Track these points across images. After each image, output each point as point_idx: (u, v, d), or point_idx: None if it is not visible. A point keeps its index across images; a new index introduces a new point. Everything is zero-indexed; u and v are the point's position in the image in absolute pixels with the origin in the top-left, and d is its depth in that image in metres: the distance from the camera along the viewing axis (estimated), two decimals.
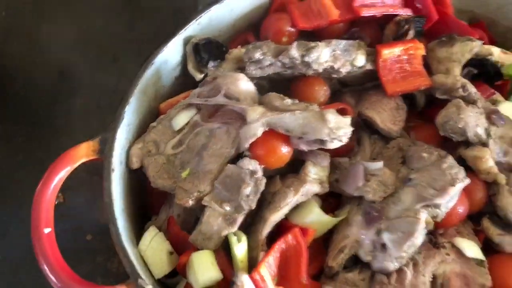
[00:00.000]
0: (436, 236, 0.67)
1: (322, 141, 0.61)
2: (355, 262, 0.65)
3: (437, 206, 0.63)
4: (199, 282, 0.60)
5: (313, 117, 0.60)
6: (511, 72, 0.80)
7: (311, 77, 0.73)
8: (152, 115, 0.71)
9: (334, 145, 0.61)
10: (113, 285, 0.57)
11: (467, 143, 0.70)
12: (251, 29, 0.80)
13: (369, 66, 0.73)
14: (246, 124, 0.62)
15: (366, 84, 0.77)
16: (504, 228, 0.68)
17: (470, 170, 0.69)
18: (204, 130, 0.66)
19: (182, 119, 0.67)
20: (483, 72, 0.78)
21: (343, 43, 0.71)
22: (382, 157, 0.72)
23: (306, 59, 0.68)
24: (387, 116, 0.74)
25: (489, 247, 0.68)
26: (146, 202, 0.72)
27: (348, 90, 0.78)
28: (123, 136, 0.65)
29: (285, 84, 0.75)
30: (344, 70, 0.71)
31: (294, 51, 0.67)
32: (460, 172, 0.65)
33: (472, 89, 0.73)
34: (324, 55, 0.69)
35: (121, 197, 0.63)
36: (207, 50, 0.72)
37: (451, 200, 0.64)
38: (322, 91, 0.73)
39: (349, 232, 0.65)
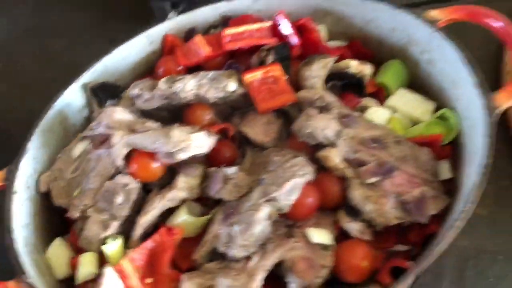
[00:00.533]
0: (293, 228, 0.77)
1: (171, 153, 0.74)
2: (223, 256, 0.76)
3: (276, 199, 0.73)
4: (79, 276, 0.74)
5: (160, 134, 0.74)
6: (381, 80, 0.91)
7: (196, 104, 0.87)
8: None
9: (182, 155, 0.74)
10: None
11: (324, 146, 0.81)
12: (153, 71, 0.95)
13: (241, 90, 0.86)
14: (113, 147, 0.76)
15: (252, 106, 0.89)
16: (353, 216, 0.77)
17: None
18: (94, 155, 0.81)
19: (78, 149, 0.83)
20: (349, 84, 0.89)
21: (211, 73, 0.85)
22: (255, 164, 0.83)
23: (173, 89, 0.82)
24: (259, 130, 0.86)
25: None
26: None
27: (238, 112, 0.90)
28: (30, 167, 0.82)
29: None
30: (212, 95, 0.84)
31: (162, 84, 0.82)
32: (301, 169, 0.75)
33: (329, 99, 0.84)
34: (189, 85, 0.83)
35: (26, 214, 0.79)
36: (104, 91, 0.88)
37: (291, 194, 0.74)
38: (205, 115, 0.87)
39: (212, 228, 0.76)
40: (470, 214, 0.69)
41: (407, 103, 0.89)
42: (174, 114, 0.89)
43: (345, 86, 0.89)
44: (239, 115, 0.90)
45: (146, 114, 0.88)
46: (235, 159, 0.86)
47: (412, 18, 0.84)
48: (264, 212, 0.73)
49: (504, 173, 1.01)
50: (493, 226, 0.97)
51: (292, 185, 0.74)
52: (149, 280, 0.73)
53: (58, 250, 0.79)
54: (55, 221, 0.85)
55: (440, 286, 0.91)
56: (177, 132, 0.74)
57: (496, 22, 0.77)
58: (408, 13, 0.85)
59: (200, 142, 0.76)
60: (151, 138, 0.74)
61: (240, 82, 0.86)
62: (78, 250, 0.79)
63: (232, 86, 0.85)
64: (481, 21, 0.79)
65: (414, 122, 0.88)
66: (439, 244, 0.67)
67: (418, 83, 0.91)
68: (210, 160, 0.83)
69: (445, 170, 0.81)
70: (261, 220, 0.73)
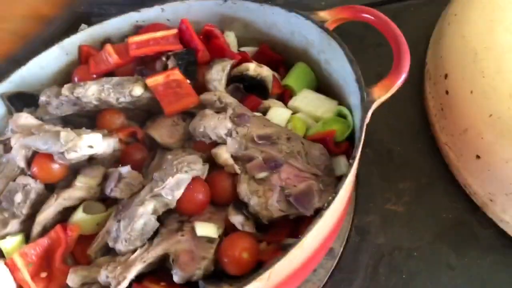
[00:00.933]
0: (184, 223, 0.80)
1: (62, 153, 0.79)
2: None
3: (161, 194, 0.77)
4: None
5: (51, 136, 0.79)
6: (286, 82, 0.94)
7: (106, 109, 0.92)
8: None
9: (72, 155, 0.79)
10: None
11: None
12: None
13: (147, 94, 0.90)
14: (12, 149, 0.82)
15: None
16: (239, 210, 0.79)
17: None
18: (4, 159, 0.86)
19: None
20: (254, 86, 0.92)
21: (115, 79, 0.90)
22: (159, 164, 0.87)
23: (75, 95, 0.87)
24: (164, 132, 0.90)
25: None
26: None
27: (153, 116, 0.95)
28: None
29: None
30: (116, 100, 0.88)
31: (65, 91, 0.87)
32: (188, 166, 0.79)
33: (228, 100, 0.88)
34: (91, 90, 0.87)
35: None
36: (21, 100, 0.94)
37: (176, 189, 0.77)
38: (115, 119, 0.91)
39: (106, 225, 0.80)
40: (334, 204, 0.71)
41: (309, 103, 0.92)
42: (94, 120, 0.94)
43: (250, 88, 0.93)
44: (152, 120, 0.94)
45: (67, 121, 0.93)
46: (145, 161, 0.90)
47: (303, 19, 0.88)
48: (147, 207, 0.77)
49: (423, 170, 1.03)
50: (410, 223, 0.98)
51: (176, 181, 0.77)
52: (43, 274, 0.77)
53: None
54: None
55: (353, 282, 0.93)
56: (66, 133, 0.79)
57: (372, 17, 0.81)
58: (299, 15, 0.88)
59: (91, 143, 0.80)
60: (43, 139, 0.79)
61: (147, 87, 0.90)
62: None
63: (137, 90, 0.89)
64: (362, 18, 0.83)
65: (317, 121, 0.91)
66: (304, 233, 0.69)
67: (323, 82, 0.95)
68: (122, 162, 0.87)
69: (341, 165, 0.84)
70: (143, 215, 0.76)
